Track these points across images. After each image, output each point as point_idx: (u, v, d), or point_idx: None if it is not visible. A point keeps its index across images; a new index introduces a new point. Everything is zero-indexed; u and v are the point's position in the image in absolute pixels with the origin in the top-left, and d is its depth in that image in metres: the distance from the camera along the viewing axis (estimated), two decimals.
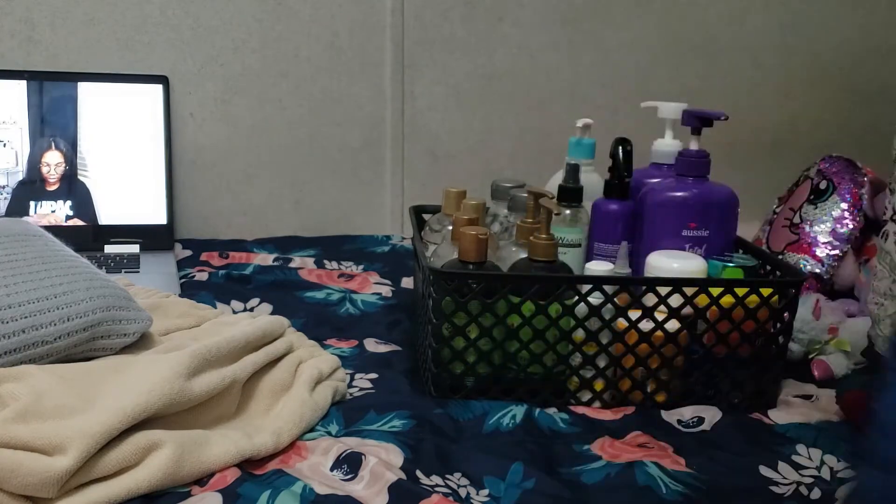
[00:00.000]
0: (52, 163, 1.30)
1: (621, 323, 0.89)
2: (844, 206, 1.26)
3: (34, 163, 1.30)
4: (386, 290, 1.24)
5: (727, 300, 0.88)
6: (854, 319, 1.08)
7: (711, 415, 0.88)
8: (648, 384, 0.91)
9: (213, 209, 1.49)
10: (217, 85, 1.45)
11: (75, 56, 1.38)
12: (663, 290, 0.87)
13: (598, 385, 0.90)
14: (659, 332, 0.88)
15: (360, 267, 1.34)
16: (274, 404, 0.84)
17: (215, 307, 1.09)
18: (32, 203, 1.30)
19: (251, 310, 1.13)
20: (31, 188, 1.30)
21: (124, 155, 1.34)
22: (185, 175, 1.46)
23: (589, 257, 0.99)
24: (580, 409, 0.89)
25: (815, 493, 0.75)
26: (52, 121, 1.31)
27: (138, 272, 1.22)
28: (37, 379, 0.73)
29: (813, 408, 0.92)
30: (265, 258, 1.35)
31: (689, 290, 0.87)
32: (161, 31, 1.41)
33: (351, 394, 0.90)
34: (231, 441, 0.73)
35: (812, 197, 1.29)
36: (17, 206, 1.29)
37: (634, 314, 0.88)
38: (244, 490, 0.69)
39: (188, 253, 1.36)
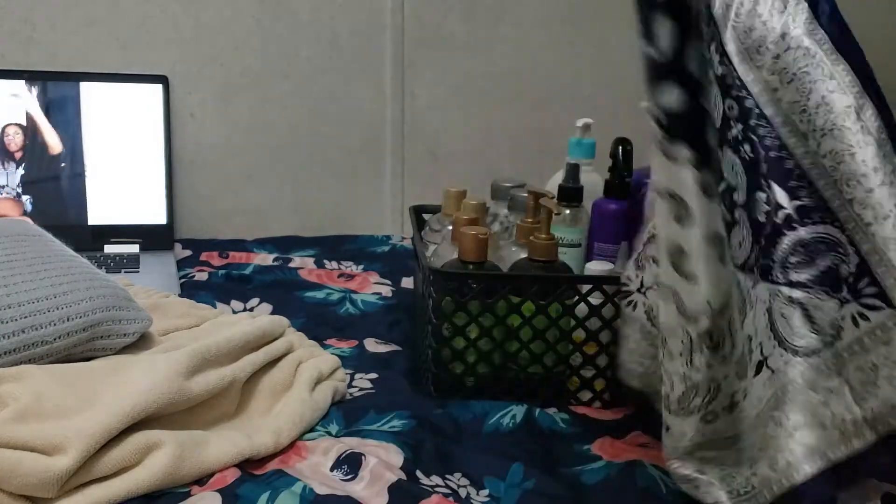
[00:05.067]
0: (12, 132, 1.29)
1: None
2: None
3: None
4: (386, 290, 1.24)
5: None
6: None
7: None
8: None
9: (213, 209, 1.49)
10: (217, 85, 1.45)
11: (75, 56, 1.38)
12: None
13: (598, 385, 0.90)
14: None
15: (360, 267, 1.34)
16: (274, 404, 0.84)
17: (215, 307, 1.09)
18: None
19: (251, 310, 1.13)
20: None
21: (124, 155, 1.34)
22: (185, 175, 1.46)
23: (589, 257, 0.99)
24: (580, 409, 0.89)
25: None
26: (52, 121, 1.31)
27: (138, 272, 1.22)
28: (36, 379, 0.73)
29: None
30: (265, 258, 1.35)
31: None
32: (161, 31, 1.41)
33: (351, 394, 0.90)
34: (231, 441, 0.73)
35: None
36: None
37: None
38: (244, 490, 0.69)
39: (188, 253, 1.36)
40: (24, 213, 1.30)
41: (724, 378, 0.65)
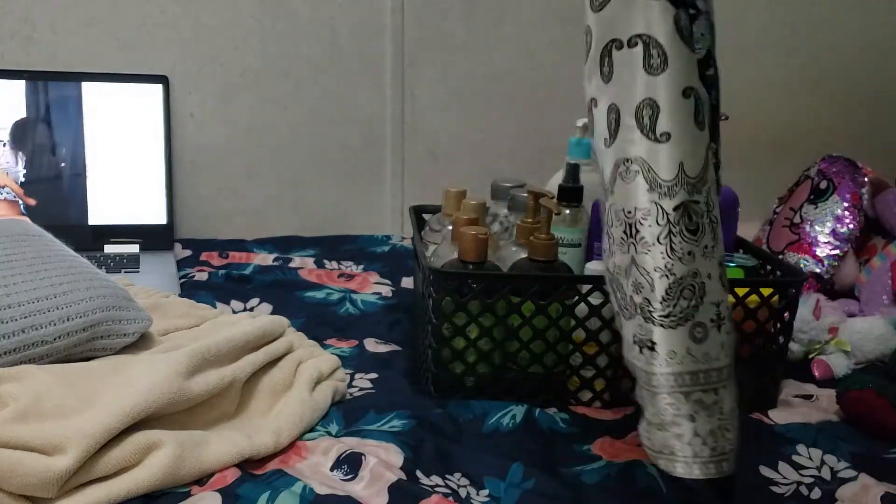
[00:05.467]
0: None
1: None
2: (845, 205, 1.26)
3: None
4: (386, 290, 1.24)
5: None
6: (854, 319, 1.08)
7: None
8: None
9: (213, 209, 1.49)
10: (217, 85, 1.45)
11: (75, 56, 1.38)
12: None
13: (598, 385, 0.90)
14: None
15: (360, 267, 1.34)
16: (274, 404, 0.84)
17: (215, 307, 1.09)
18: None
19: (251, 310, 1.13)
20: None
21: (124, 155, 1.34)
22: (185, 175, 1.46)
23: (589, 257, 0.99)
24: (580, 409, 0.89)
25: (816, 493, 0.75)
26: (52, 121, 1.31)
27: (138, 272, 1.22)
28: (36, 379, 0.73)
29: (813, 408, 0.92)
30: (265, 258, 1.35)
31: None
32: (161, 31, 1.41)
33: (351, 394, 0.90)
34: (231, 441, 0.73)
35: (812, 197, 1.29)
36: None
37: None
38: (244, 490, 0.69)
39: (188, 253, 1.36)
40: (24, 213, 1.30)
41: (707, 277, 0.61)
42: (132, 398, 0.71)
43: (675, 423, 0.62)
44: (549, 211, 0.88)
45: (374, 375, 0.95)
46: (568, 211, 0.99)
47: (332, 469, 0.74)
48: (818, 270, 1.23)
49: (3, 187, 1.29)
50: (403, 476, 0.73)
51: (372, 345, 1.04)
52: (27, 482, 0.64)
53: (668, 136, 0.59)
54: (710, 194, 0.61)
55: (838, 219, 1.25)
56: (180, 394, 0.74)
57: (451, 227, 0.97)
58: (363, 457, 0.74)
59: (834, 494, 0.75)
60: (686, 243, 0.60)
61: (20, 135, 1.30)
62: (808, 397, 0.95)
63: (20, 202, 1.29)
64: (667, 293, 0.60)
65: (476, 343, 0.89)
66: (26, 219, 1.18)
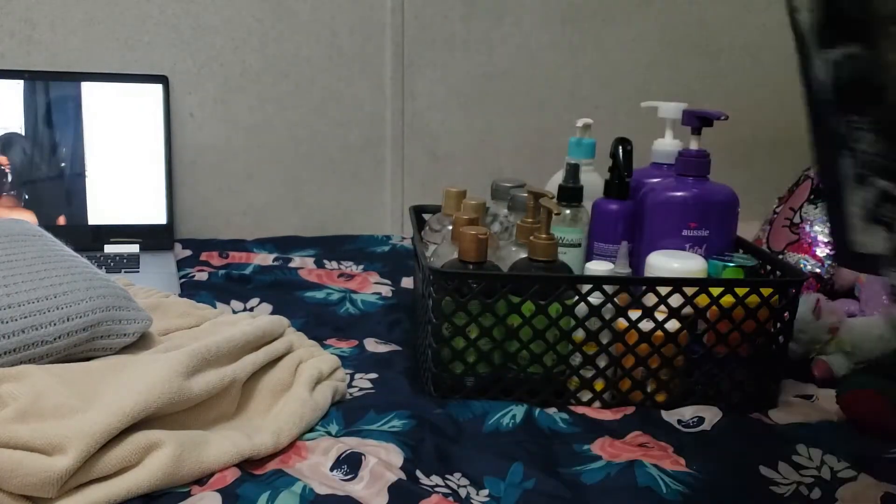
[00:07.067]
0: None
1: (621, 323, 0.89)
2: None
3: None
4: (386, 290, 1.24)
5: (727, 300, 0.88)
6: (854, 319, 1.08)
7: (711, 415, 0.88)
8: (648, 384, 0.91)
9: (213, 209, 1.49)
10: (217, 85, 1.45)
11: (75, 56, 1.38)
12: (663, 290, 0.87)
13: (598, 385, 0.90)
14: (659, 332, 0.88)
15: (360, 267, 1.34)
16: (274, 404, 0.84)
17: (215, 307, 1.09)
18: None
19: (251, 310, 1.13)
20: None
21: (124, 155, 1.34)
22: (185, 175, 1.46)
23: (589, 257, 0.99)
24: (580, 409, 0.89)
25: (816, 493, 0.75)
26: (52, 121, 1.31)
27: (138, 272, 1.22)
28: (36, 379, 0.73)
29: (813, 408, 0.92)
30: (265, 258, 1.35)
31: (689, 290, 0.87)
32: (161, 31, 1.41)
33: (351, 394, 0.90)
34: (230, 441, 0.73)
35: (812, 196, 1.29)
36: None
37: (634, 314, 0.88)
38: (244, 490, 0.69)
39: (188, 253, 1.36)
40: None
41: None
42: (132, 398, 0.71)
43: None
44: (549, 211, 0.88)
45: (374, 375, 0.95)
46: (568, 211, 0.99)
47: (331, 469, 0.74)
48: (818, 270, 1.23)
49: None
50: (403, 476, 0.73)
51: (372, 345, 1.04)
52: (27, 482, 0.64)
53: None
54: None
55: None
56: (180, 394, 0.74)
57: (451, 227, 0.97)
58: (363, 457, 0.74)
59: (834, 494, 0.75)
60: None
61: (7, 146, 1.30)
62: (808, 397, 0.95)
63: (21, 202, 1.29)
64: None
65: (476, 343, 0.89)
66: (27, 218, 1.18)
